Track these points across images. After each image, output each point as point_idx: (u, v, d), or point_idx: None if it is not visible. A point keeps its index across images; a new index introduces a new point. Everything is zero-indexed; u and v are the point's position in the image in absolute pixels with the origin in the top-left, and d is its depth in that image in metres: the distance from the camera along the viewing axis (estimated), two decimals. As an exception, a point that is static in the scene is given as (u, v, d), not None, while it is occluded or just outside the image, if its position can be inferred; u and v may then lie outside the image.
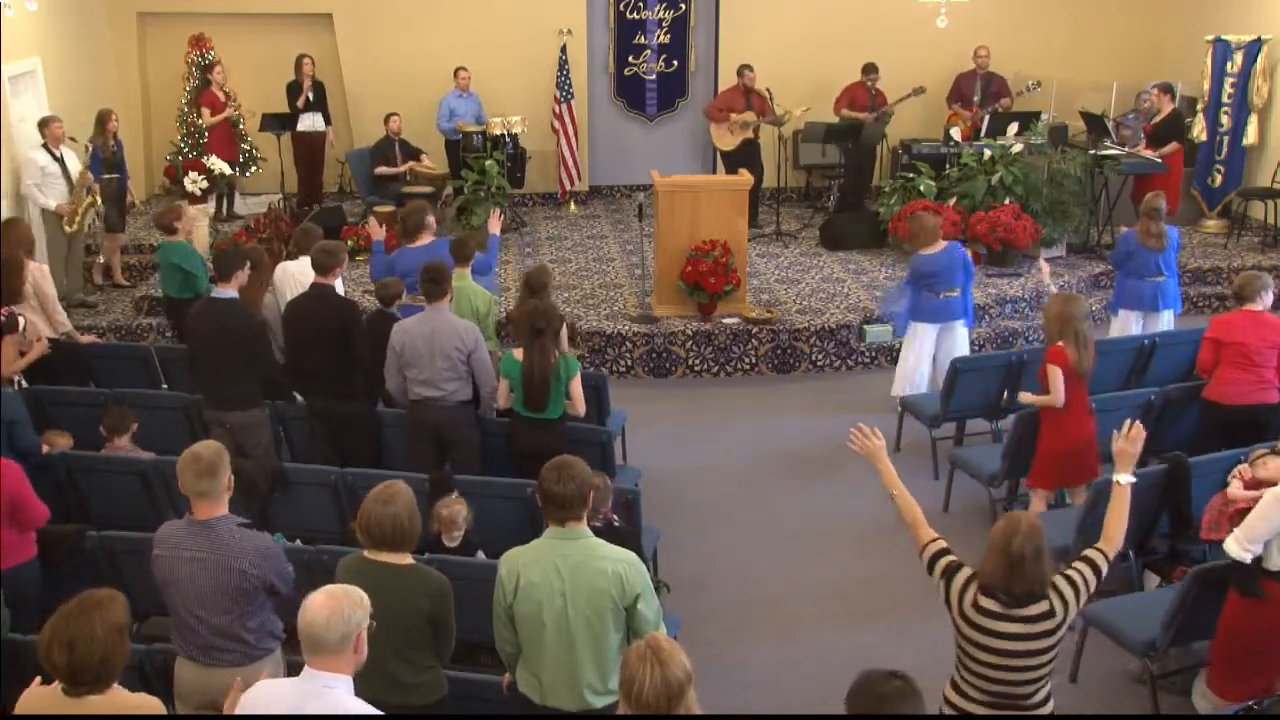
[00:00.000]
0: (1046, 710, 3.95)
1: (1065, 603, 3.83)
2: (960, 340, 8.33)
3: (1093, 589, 3.91)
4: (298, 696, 3.26)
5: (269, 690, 3.39)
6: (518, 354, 6.12)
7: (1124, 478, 4.14)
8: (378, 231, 7.98)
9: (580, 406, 6.25)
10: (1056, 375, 6.14)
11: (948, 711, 4.02)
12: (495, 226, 8.14)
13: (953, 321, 8.25)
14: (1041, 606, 3.80)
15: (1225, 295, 10.32)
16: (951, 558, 4.00)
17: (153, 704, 3.42)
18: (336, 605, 3.26)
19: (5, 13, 9.55)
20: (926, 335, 8.25)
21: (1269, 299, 6.55)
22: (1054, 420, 6.28)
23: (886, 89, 12.25)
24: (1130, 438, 4.20)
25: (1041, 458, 6.37)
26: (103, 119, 10.21)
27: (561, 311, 6.76)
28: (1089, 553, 3.98)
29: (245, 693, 3.43)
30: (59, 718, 3.28)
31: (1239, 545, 4.68)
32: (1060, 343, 6.15)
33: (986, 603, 3.82)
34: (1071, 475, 6.37)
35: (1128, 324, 8.41)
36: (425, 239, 7.48)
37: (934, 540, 4.06)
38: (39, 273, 7.59)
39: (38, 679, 3.37)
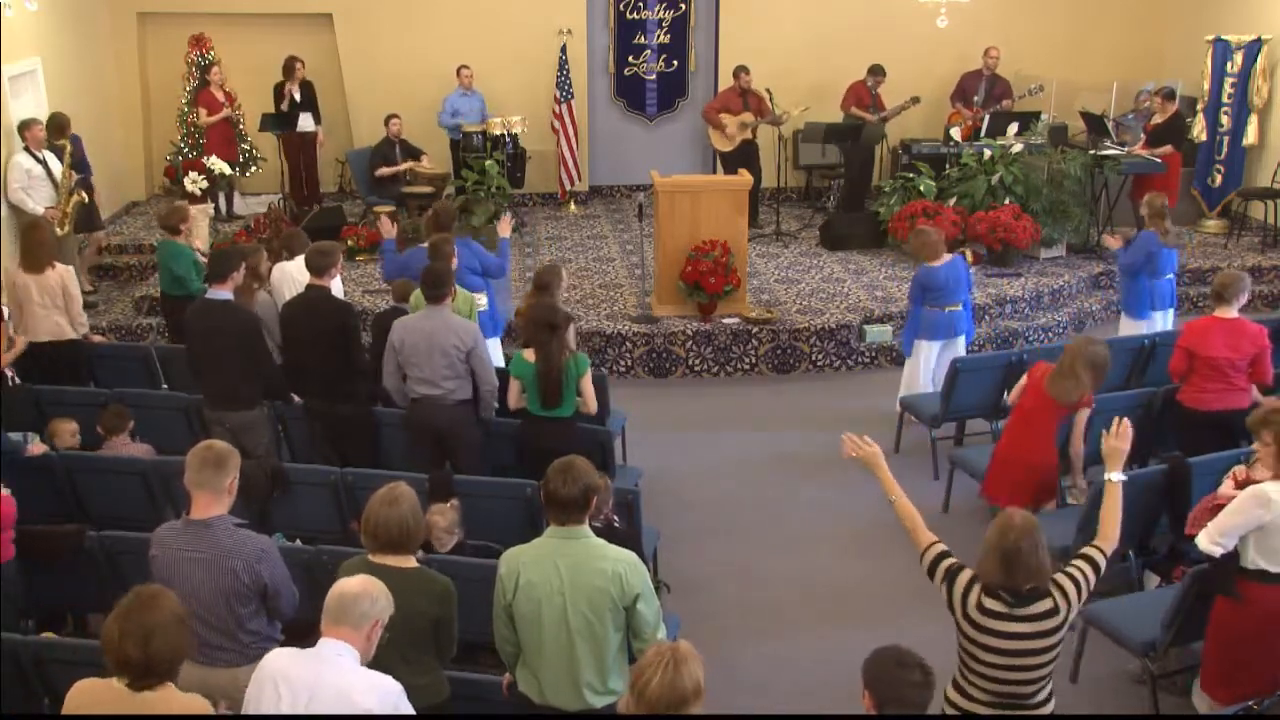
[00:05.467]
0: (1048, 710, 3.96)
1: (1067, 600, 3.84)
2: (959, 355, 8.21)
3: (1093, 586, 3.93)
4: (308, 659, 3.42)
5: (280, 654, 3.55)
6: (527, 355, 6.12)
7: (1115, 475, 4.18)
8: (389, 229, 7.96)
9: (593, 404, 6.29)
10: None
11: (950, 712, 4.02)
12: (505, 230, 8.04)
13: (955, 338, 8.13)
14: (1045, 604, 3.81)
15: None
16: (952, 560, 4.00)
17: (202, 704, 3.39)
18: (369, 586, 3.49)
19: (5, 13, 9.53)
20: (930, 352, 8.12)
21: (1244, 300, 6.54)
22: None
23: (886, 91, 12.27)
24: (1119, 435, 4.24)
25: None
26: (61, 124, 9.79)
27: (567, 311, 6.76)
28: (1087, 550, 4.00)
29: (260, 661, 3.55)
30: (117, 717, 3.25)
31: (1209, 539, 4.64)
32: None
33: (991, 604, 3.82)
34: (1008, 493, 6.13)
35: (1154, 326, 8.28)
36: None
37: (934, 543, 4.07)
38: (67, 275, 7.61)
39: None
